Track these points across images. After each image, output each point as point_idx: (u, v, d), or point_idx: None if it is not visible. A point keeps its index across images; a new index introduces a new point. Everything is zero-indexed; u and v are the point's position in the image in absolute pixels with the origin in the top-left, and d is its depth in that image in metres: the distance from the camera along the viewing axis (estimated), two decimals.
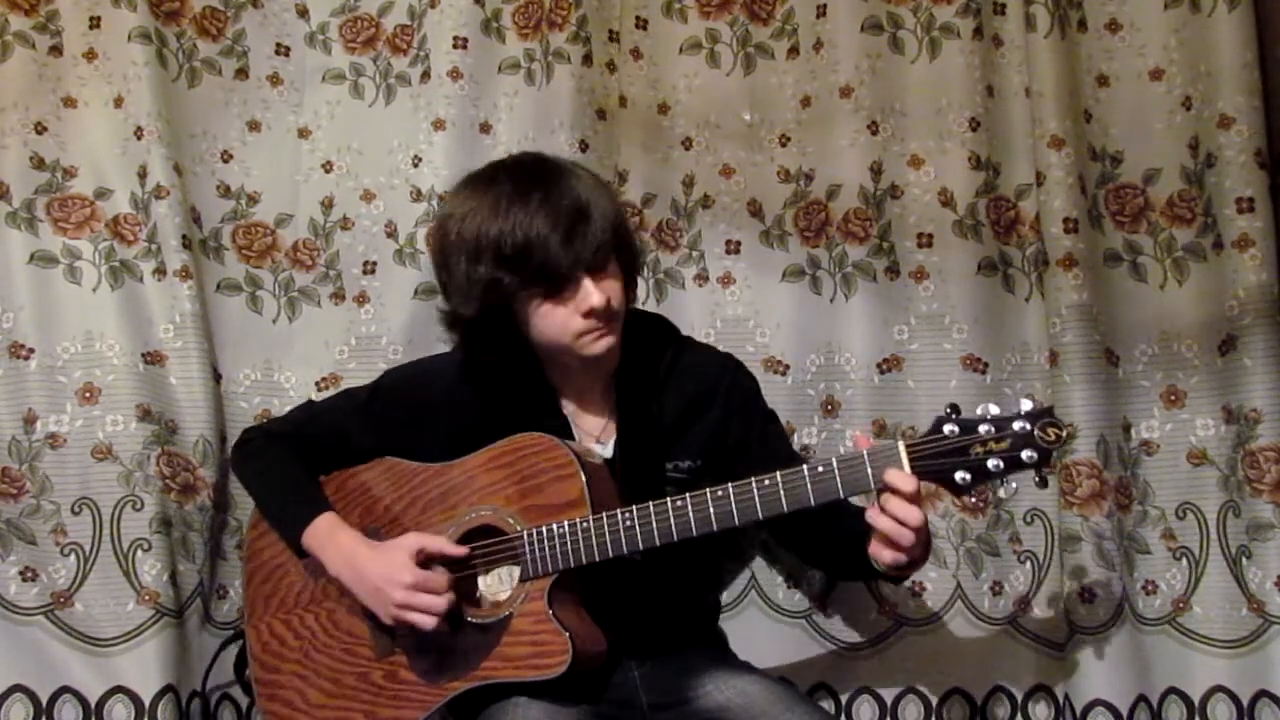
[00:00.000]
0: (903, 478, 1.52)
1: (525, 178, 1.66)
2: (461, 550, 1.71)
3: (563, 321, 1.68)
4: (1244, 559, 1.97)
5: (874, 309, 2.13)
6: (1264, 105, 2.05)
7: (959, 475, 1.52)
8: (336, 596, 1.80)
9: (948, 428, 1.53)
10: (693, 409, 1.81)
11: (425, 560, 1.70)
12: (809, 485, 1.57)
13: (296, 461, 1.85)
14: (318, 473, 1.87)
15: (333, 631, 1.80)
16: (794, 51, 2.25)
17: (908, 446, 1.54)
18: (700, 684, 1.74)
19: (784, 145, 2.23)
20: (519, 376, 1.78)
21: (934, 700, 2.05)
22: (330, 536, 1.76)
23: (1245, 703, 1.94)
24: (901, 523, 1.53)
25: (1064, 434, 1.51)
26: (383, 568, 1.70)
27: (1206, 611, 1.99)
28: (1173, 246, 2.10)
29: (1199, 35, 2.10)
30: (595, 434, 1.80)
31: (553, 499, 1.66)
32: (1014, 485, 1.54)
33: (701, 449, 1.80)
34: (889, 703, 2.06)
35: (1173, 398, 2.07)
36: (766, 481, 1.58)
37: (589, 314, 1.66)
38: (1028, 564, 2.06)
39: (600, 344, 1.70)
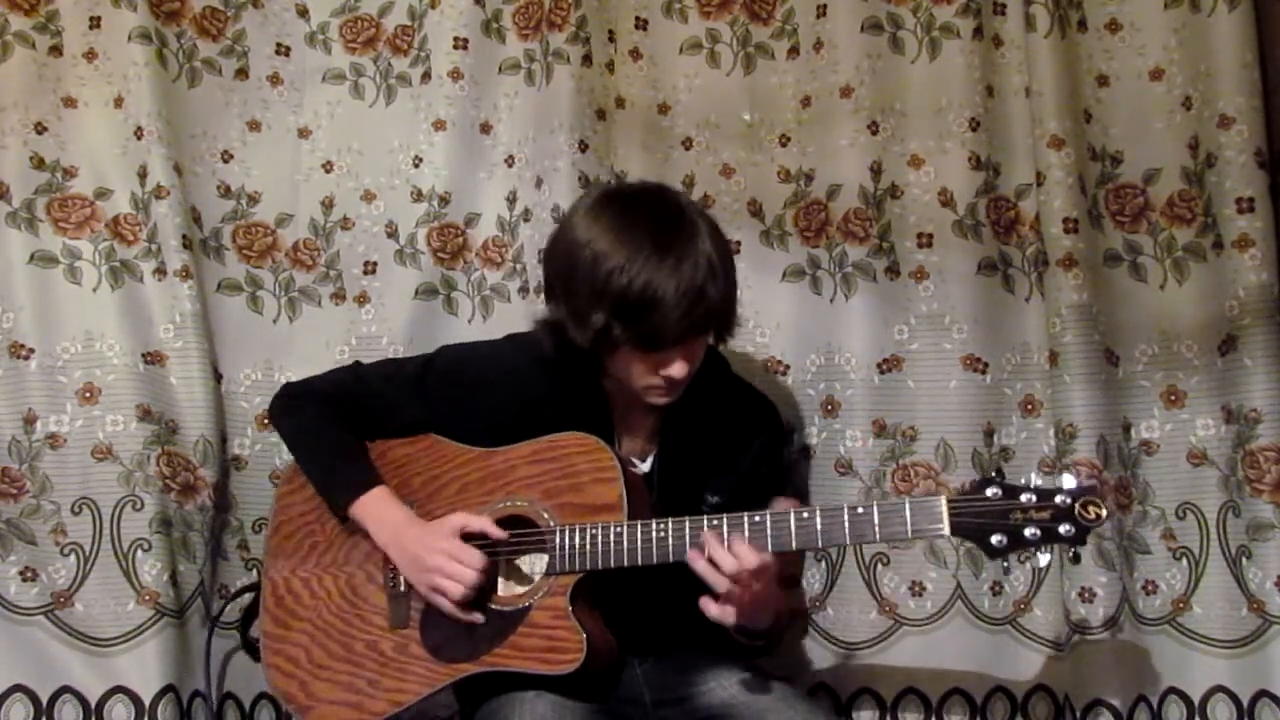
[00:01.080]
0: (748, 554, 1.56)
1: (664, 232, 1.65)
2: (502, 534, 1.72)
3: (640, 373, 1.71)
4: (1244, 559, 1.97)
5: (874, 309, 2.13)
6: (1264, 105, 2.05)
7: (995, 538, 1.55)
8: (359, 561, 1.81)
9: (990, 490, 1.56)
10: (730, 447, 1.84)
11: (466, 537, 1.72)
12: (846, 524, 1.59)
13: (343, 426, 1.86)
14: (362, 438, 1.88)
15: (349, 596, 1.81)
16: (794, 51, 2.25)
17: (949, 502, 1.57)
18: (703, 681, 1.75)
19: (784, 145, 2.23)
20: (576, 381, 1.79)
21: (934, 700, 2.05)
22: (382, 510, 1.79)
23: (1245, 703, 1.94)
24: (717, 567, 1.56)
25: (1104, 514, 1.54)
26: (423, 537, 1.72)
27: (1206, 611, 1.99)
28: (1173, 246, 2.10)
29: (1199, 35, 2.09)
30: (636, 449, 1.83)
31: (590, 500, 1.68)
32: (1045, 559, 1.56)
33: (730, 485, 1.82)
34: (889, 703, 2.06)
35: (1173, 398, 2.07)
36: (805, 514, 1.60)
37: (666, 379, 1.69)
38: (1027, 564, 2.06)
39: (660, 400, 1.74)
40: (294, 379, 2.19)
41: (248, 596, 2.05)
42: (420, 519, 1.77)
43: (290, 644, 1.83)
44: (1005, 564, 1.58)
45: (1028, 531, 1.54)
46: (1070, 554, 1.59)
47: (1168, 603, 2.02)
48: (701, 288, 1.63)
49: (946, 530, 1.56)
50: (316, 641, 1.81)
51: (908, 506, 1.57)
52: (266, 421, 2.14)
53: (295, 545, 1.88)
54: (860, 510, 1.58)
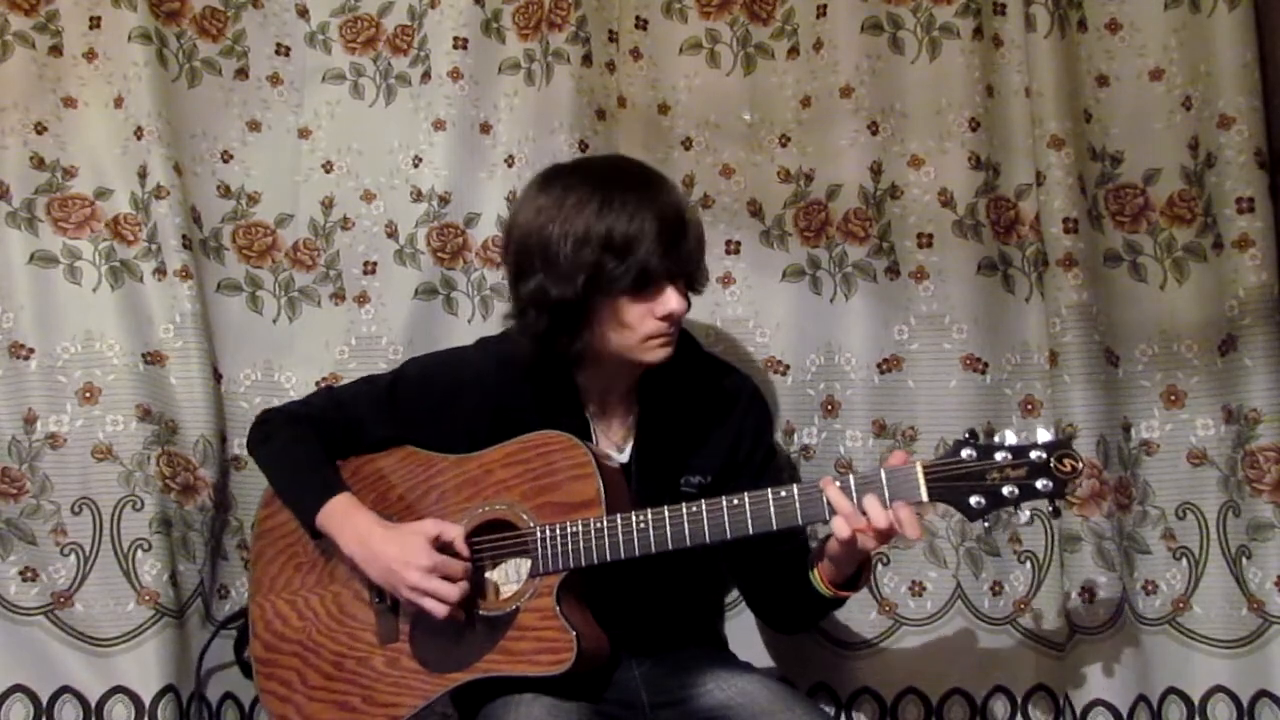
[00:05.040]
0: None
1: (633, 176, 1.72)
2: (465, 552, 1.71)
3: (637, 321, 1.70)
4: (1244, 559, 1.97)
5: (874, 309, 2.13)
6: (1264, 105, 2.05)
7: (974, 499, 1.54)
8: (344, 580, 1.80)
9: (965, 452, 1.56)
10: (709, 426, 1.83)
11: (440, 548, 1.71)
12: (824, 499, 1.59)
13: (314, 444, 1.85)
14: (335, 457, 1.87)
15: (336, 615, 1.81)
16: (794, 51, 2.26)
17: (924, 468, 1.56)
18: (701, 682, 1.74)
19: (784, 145, 2.23)
20: (547, 376, 1.78)
21: (934, 700, 2.05)
22: (346, 517, 1.77)
23: (1245, 703, 1.94)
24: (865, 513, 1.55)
25: (1080, 466, 1.55)
26: (398, 549, 1.70)
27: (1206, 611, 1.99)
28: (1173, 246, 2.10)
29: (1199, 35, 2.09)
30: (614, 440, 1.82)
31: (568, 497, 1.67)
32: (1026, 514, 1.56)
33: (713, 466, 1.81)
34: (889, 703, 2.06)
35: (1173, 398, 2.07)
36: (783, 493, 1.59)
37: (665, 318, 1.70)
38: (1028, 564, 2.06)
39: (662, 352, 1.73)
40: (293, 379, 2.21)
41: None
42: (390, 524, 1.75)
43: (282, 667, 1.82)
44: (986, 523, 1.58)
45: (1005, 490, 1.54)
46: (1050, 508, 1.58)
47: (1168, 603, 2.02)
48: (683, 214, 1.69)
49: (924, 497, 1.55)
50: (308, 663, 1.80)
51: (884, 476, 1.57)
52: None
53: (279, 568, 1.87)
54: (837, 484, 1.58)
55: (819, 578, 1.70)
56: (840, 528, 1.57)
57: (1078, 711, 2.01)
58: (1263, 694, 1.93)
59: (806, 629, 1.95)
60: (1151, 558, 2.03)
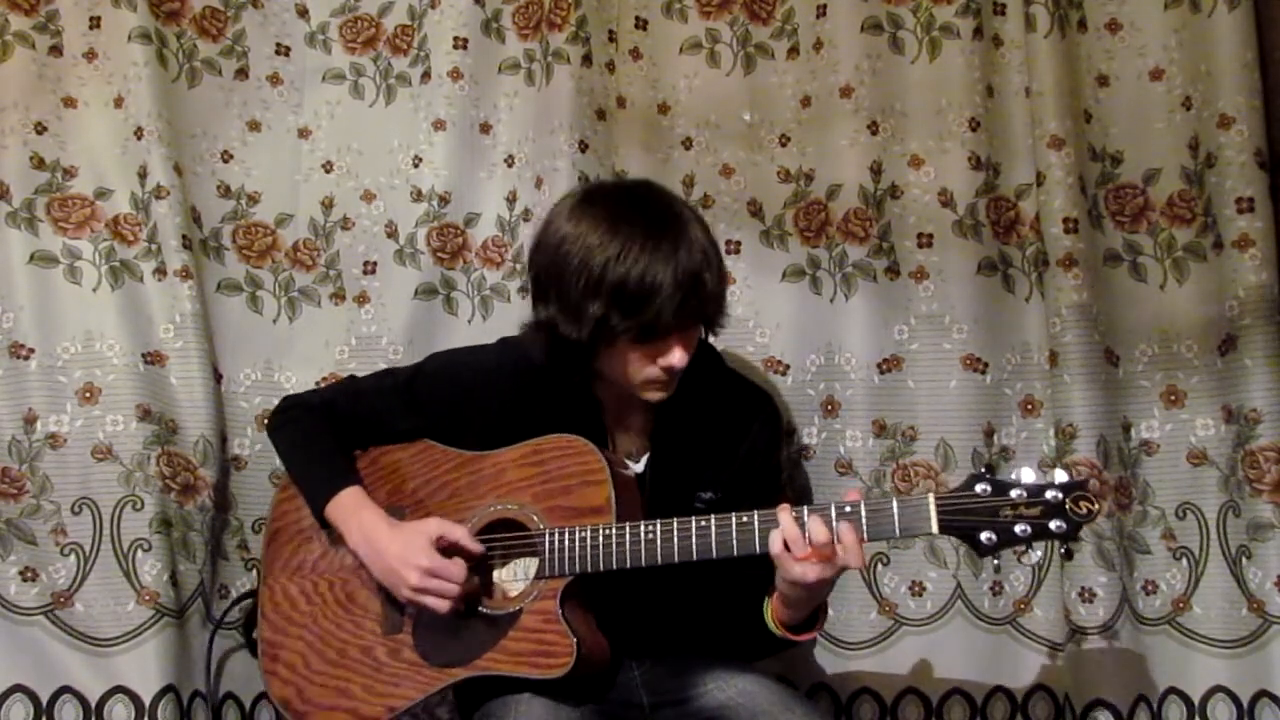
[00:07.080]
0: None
1: (657, 222, 1.65)
2: (479, 548, 1.71)
3: (638, 367, 1.69)
4: (1244, 559, 1.97)
5: (874, 309, 2.13)
6: (1264, 105, 2.05)
7: (984, 535, 1.52)
8: (353, 568, 1.81)
9: (980, 486, 1.53)
10: (725, 442, 1.82)
11: (444, 548, 1.71)
12: (834, 524, 1.57)
13: (330, 434, 1.86)
14: (352, 448, 1.88)
15: (344, 602, 1.81)
16: (794, 51, 2.25)
17: (937, 499, 1.54)
18: (701, 683, 1.74)
19: (784, 145, 2.23)
20: (567, 382, 1.78)
21: (934, 700, 2.05)
22: (354, 511, 1.78)
23: (1245, 703, 1.95)
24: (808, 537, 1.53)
25: (1096, 509, 1.51)
26: (401, 548, 1.71)
27: (1206, 611, 1.99)
28: (1173, 246, 2.10)
29: (1199, 35, 2.10)
30: (629, 450, 1.82)
31: (579, 502, 1.67)
32: (1036, 554, 1.53)
33: (725, 481, 1.81)
34: (889, 703, 2.06)
35: (1173, 398, 2.07)
36: (794, 513, 1.58)
37: (665, 369, 1.68)
38: (1021, 559, 2.05)
39: (658, 395, 1.73)
40: (293, 379, 2.21)
41: (249, 601, 2.04)
42: (396, 522, 1.76)
43: (287, 650, 1.83)
44: (996, 560, 1.56)
45: (1018, 528, 1.51)
46: (1062, 550, 1.56)
47: (1168, 603, 2.02)
48: (698, 273, 1.63)
49: (934, 529, 1.53)
50: (313, 648, 1.81)
51: (895, 505, 1.55)
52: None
53: (292, 552, 1.88)
54: (849, 509, 1.56)
55: (770, 612, 1.68)
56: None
57: (1078, 711, 2.01)
58: (1263, 694, 1.94)
59: (753, 660, 1.86)
60: (1151, 558, 2.03)
